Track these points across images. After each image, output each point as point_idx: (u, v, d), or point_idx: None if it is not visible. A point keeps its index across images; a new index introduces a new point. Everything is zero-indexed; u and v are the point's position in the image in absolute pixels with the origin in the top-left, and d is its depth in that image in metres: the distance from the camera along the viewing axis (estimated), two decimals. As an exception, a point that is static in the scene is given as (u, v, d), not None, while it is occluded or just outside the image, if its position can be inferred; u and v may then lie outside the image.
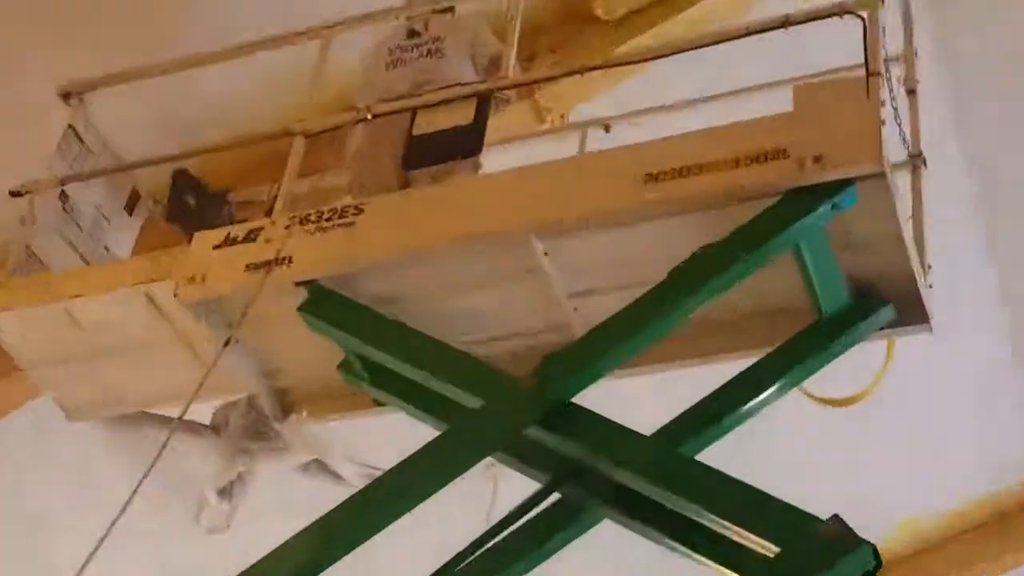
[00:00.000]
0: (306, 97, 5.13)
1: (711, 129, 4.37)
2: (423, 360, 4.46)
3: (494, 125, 5.41)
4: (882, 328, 4.47)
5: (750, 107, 5.22)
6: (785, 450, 7.68)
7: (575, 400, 4.21)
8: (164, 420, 5.50)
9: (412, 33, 5.57)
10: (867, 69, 4.22)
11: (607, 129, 5.91)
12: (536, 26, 6.84)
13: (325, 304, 4.61)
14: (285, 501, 5.64)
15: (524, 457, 4.42)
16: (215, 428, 5.59)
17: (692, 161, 4.25)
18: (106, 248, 5.59)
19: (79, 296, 5.05)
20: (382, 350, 4.56)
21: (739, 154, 4.21)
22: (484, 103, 4.91)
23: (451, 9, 5.62)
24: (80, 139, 5.49)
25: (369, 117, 4.95)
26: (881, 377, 4.69)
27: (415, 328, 4.55)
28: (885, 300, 4.43)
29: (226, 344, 4.57)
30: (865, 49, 4.27)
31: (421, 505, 4.15)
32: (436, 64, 5.42)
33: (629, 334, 4.23)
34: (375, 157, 5.27)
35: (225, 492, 5.65)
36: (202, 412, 5.57)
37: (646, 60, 4.85)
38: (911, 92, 4.83)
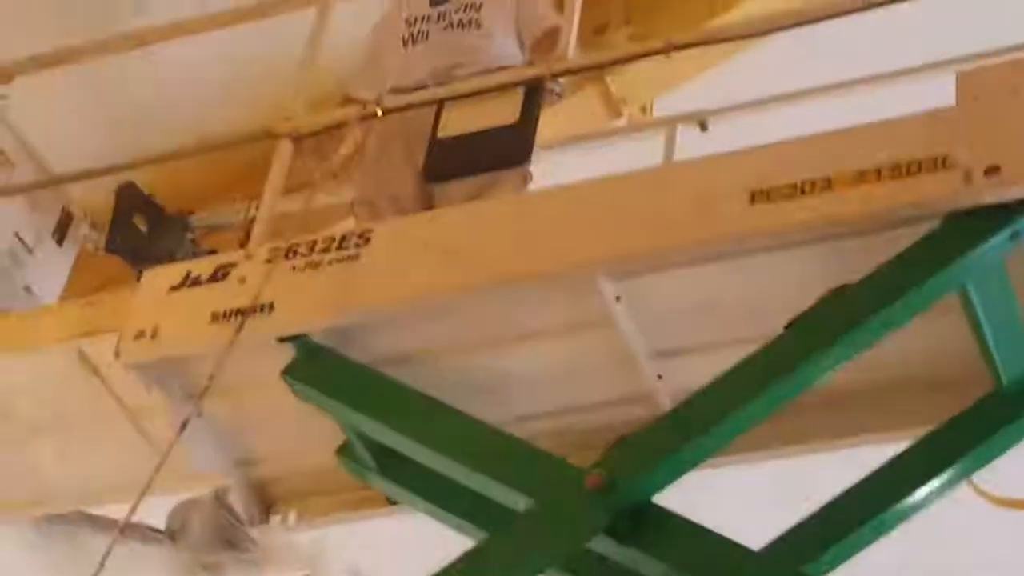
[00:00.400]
0: (294, 89, 5.14)
1: (842, 130, 4.32)
2: (450, 443, 4.42)
3: (549, 122, 5.44)
4: (1083, 403, 4.41)
5: (894, 101, 5.21)
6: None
7: (656, 500, 4.17)
8: (106, 523, 5.52)
9: None
10: (1058, 47, 4.20)
11: (703, 127, 5.94)
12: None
13: (318, 366, 4.61)
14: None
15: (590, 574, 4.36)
16: (172, 534, 5.61)
17: (817, 173, 4.20)
18: (27, 289, 5.64)
19: (-12, 356, 5.08)
20: (394, 429, 4.53)
21: (882, 164, 4.15)
22: (534, 95, 4.89)
23: None
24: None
25: (378, 113, 4.96)
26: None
27: (439, 399, 4.53)
28: (1087, 364, 4.37)
29: (184, 425, 4.58)
30: (1055, 17, 4.25)
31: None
32: (470, 40, 5.45)
33: (731, 410, 4.16)
34: (388, 167, 5.29)
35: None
36: (156, 511, 5.59)
37: (752, 36, 4.83)
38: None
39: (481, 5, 5.52)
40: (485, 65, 5.33)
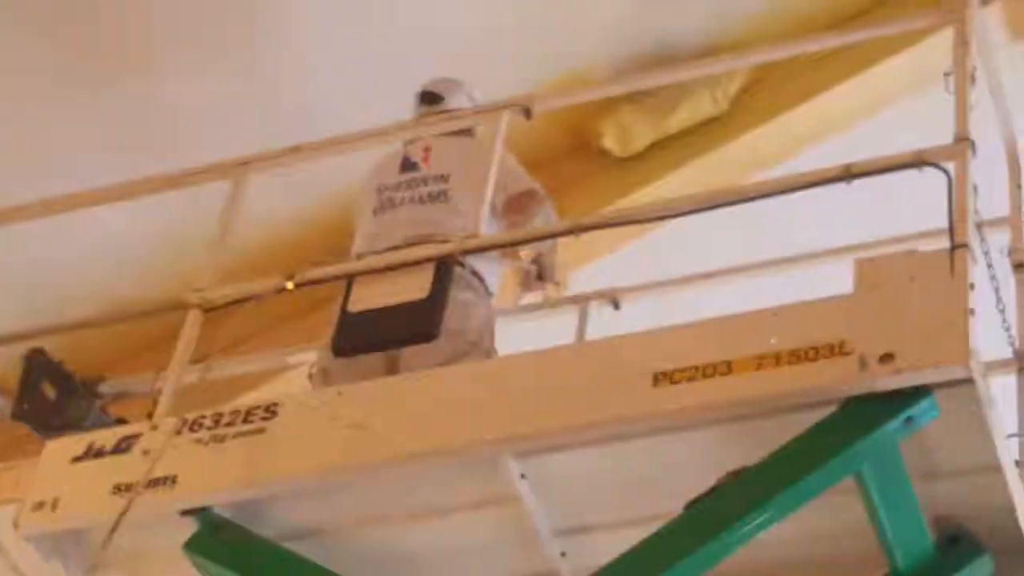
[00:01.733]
0: (205, 258, 5.22)
1: (742, 314, 4.44)
2: (351, 620, 4.46)
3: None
4: (979, 586, 4.49)
5: (796, 283, 5.35)
6: None
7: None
8: None
9: (407, 164, 5.69)
10: (952, 239, 4.31)
11: (615, 305, 6.02)
12: (527, 160, 7.03)
13: (220, 540, 4.62)
14: None
15: None
16: None
17: (717, 356, 4.30)
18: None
19: None
20: (297, 605, 4.56)
21: (780, 349, 4.26)
22: (445, 271, 4.98)
23: (468, 132, 5.70)
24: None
25: (290, 287, 5.03)
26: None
27: (343, 575, 4.54)
28: (980, 548, 4.45)
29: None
30: (950, 212, 4.37)
31: None
32: (437, 213, 5.50)
33: (631, 590, 4.24)
34: (310, 337, 5.29)
35: None
36: None
37: (659, 219, 4.96)
38: (1019, 267, 4.91)
39: (449, 176, 5.59)
40: (452, 238, 5.30)
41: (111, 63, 6.51)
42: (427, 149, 5.71)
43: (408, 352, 5.10)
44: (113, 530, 4.48)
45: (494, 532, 4.66)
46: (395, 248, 5.25)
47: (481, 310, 5.24)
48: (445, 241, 5.20)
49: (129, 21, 6.43)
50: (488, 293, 5.33)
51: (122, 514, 4.50)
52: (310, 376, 5.40)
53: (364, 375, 5.05)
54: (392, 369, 5.18)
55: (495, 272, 5.36)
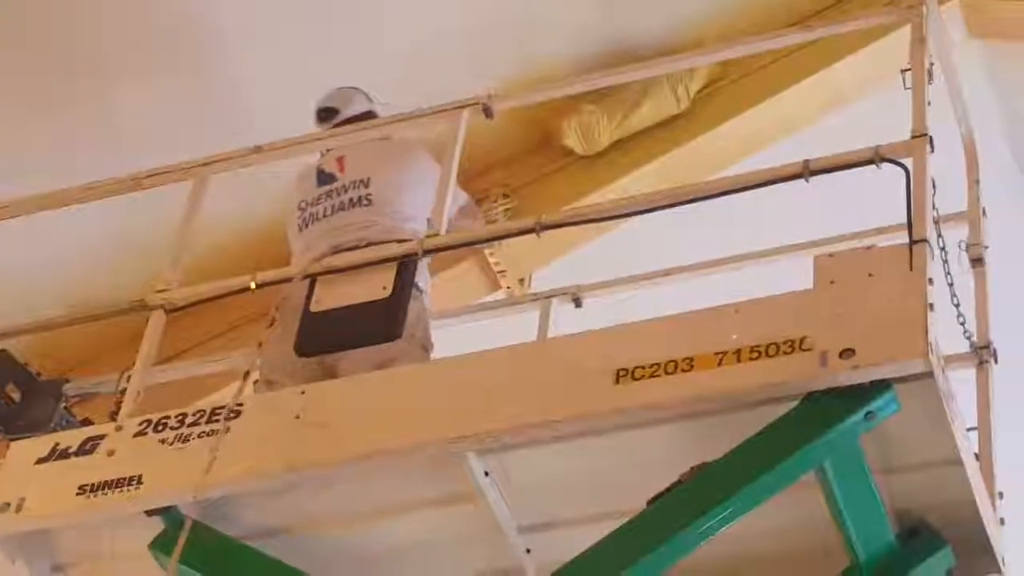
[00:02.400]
0: (169, 259, 5.22)
1: (703, 311, 4.46)
2: (316, 617, 4.47)
3: (430, 293, 5.54)
4: (939, 578, 4.53)
5: (756, 279, 5.39)
6: None
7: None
8: None
9: (323, 177, 5.72)
10: (910, 234, 4.34)
11: (577, 303, 6.04)
12: (489, 158, 7.05)
13: (187, 540, 4.59)
14: None
15: None
16: None
17: (679, 353, 4.32)
18: None
19: None
20: (262, 603, 4.57)
21: (742, 345, 4.29)
22: (407, 270, 4.99)
23: (386, 138, 5.76)
24: None
25: (252, 287, 5.03)
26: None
27: (309, 573, 4.55)
28: (941, 540, 4.49)
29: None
30: (909, 208, 4.40)
31: None
32: (362, 216, 5.54)
33: (596, 585, 4.26)
34: (282, 344, 5.32)
35: None
36: None
37: (619, 217, 4.98)
38: (976, 261, 4.96)
39: (369, 180, 5.62)
40: (377, 240, 5.39)
41: (63, 70, 6.51)
42: (340, 159, 5.75)
43: (343, 354, 5.13)
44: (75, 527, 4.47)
45: (459, 529, 4.67)
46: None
47: (414, 304, 5.23)
48: (378, 243, 5.25)
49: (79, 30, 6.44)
50: (419, 289, 5.34)
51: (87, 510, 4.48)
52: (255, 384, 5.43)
53: (306, 380, 5.05)
54: (330, 372, 5.21)
55: (424, 268, 5.38)
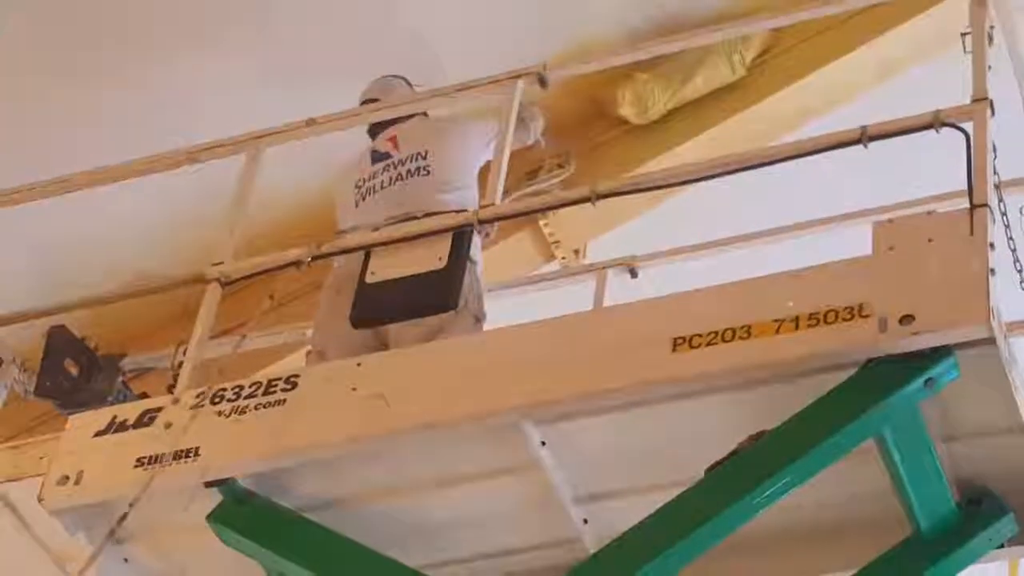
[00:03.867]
0: (225, 232, 5.22)
1: (761, 278, 4.42)
2: (375, 588, 4.46)
3: (485, 265, 5.52)
4: (1001, 545, 4.48)
5: (816, 248, 5.32)
6: None
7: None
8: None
9: (377, 156, 5.72)
10: (971, 199, 4.29)
11: (633, 273, 6.01)
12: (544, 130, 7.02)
13: (244, 512, 4.64)
14: None
15: None
16: None
17: (737, 321, 4.29)
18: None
19: (-89, 500, 5.12)
20: (318, 575, 4.55)
21: (800, 312, 4.25)
22: (462, 240, 4.98)
23: (423, 114, 5.77)
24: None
25: (308, 260, 5.02)
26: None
27: (365, 544, 4.56)
28: (1004, 508, 4.45)
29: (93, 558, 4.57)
30: (969, 173, 4.35)
31: None
32: (420, 187, 5.54)
33: (653, 554, 4.22)
34: (338, 316, 5.32)
35: None
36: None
37: (675, 185, 4.93)
38: (1039, 226, 4.92)
39: (427, 152, 5.63)
40: (436, 210, 5.40)
41: (113, 43, 6.51)
42: (392, 138, 5.77)
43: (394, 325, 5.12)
44: (137, 500, 4.48)
45: (516, 500, 4.66)
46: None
47: (467, 275, 5.18)
48: (435, 213, 5.24)
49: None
50: (472, 260, 5.31)
51: (147, 484, 4.50)
52: (305, 358, 5.43)
53: (356, 351, 5.06)
54: (382, 343, 5.21)
55: (476, 239, 5.36)
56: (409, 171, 5.60)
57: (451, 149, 5.68)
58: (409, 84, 6.05)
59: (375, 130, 5.84)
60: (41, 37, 6.41)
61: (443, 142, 5.69)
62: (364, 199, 5.63)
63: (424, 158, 5.62)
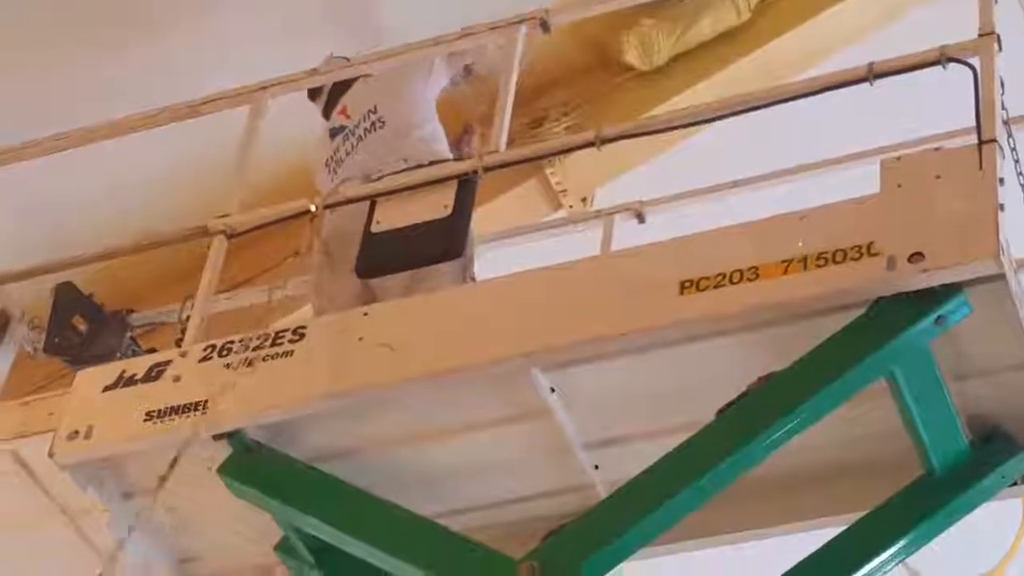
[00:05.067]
0: (231, 185, 5.17)
1: (768, 219, 4.37)
2: (384, 536, 4.43)
3: (490, 214, 5.49)
4: (1014, 483, 4.45)
5: (823, 188, 5.28)
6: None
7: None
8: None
9: (334, 131, 5.75)
10: (979, 135, 4.23)
11: (641, 218, 5.97)
12: (548, 77, 6.95)
13: (254, 463, 4.62)
14: None
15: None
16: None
17: (744, 263, 4.24)
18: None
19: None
20: (331, 524, 4.54)
21: (808, 252, 4.21)
22: (467, 188, 4.91)
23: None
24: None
25: (312, 209, 4.98)
26: (1017, 548, 4.68)
27: (375, 494, 4.54)
28: (1016, 445, 4.42)
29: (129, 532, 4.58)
30: (977, 108, 4.28)
31: None
32: (379, 140, 5.63)
33: (664, 498, 4.19)
34: (334, 266, 5.30)
35: None
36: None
37: (680, 127, 4.88)
38: (1048, 162, 4.85)
39: (376, 107, 5.71)
40: (405, 156, 5.47)
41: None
42: (343, 109, 5.83)
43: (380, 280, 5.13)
44: (164, 479, 4.49)
45: (526, 447, 4.63)
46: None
47: None
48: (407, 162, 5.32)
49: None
50: None
51: (173, 464, 4.50)
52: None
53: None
54: (374, 299, 5.21)
55: None
56: (366, 130, 5.68)
57: (396, 93, 5.74)
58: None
59: (327, 111, 5.89)
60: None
61: (387, 90, 5.74)
62: (336, 173, 5.69)
63: (375, 112, 5.69)
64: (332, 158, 5.75)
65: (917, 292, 4.11)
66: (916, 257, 4.10)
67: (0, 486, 5.07)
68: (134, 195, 6.64)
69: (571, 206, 6.83)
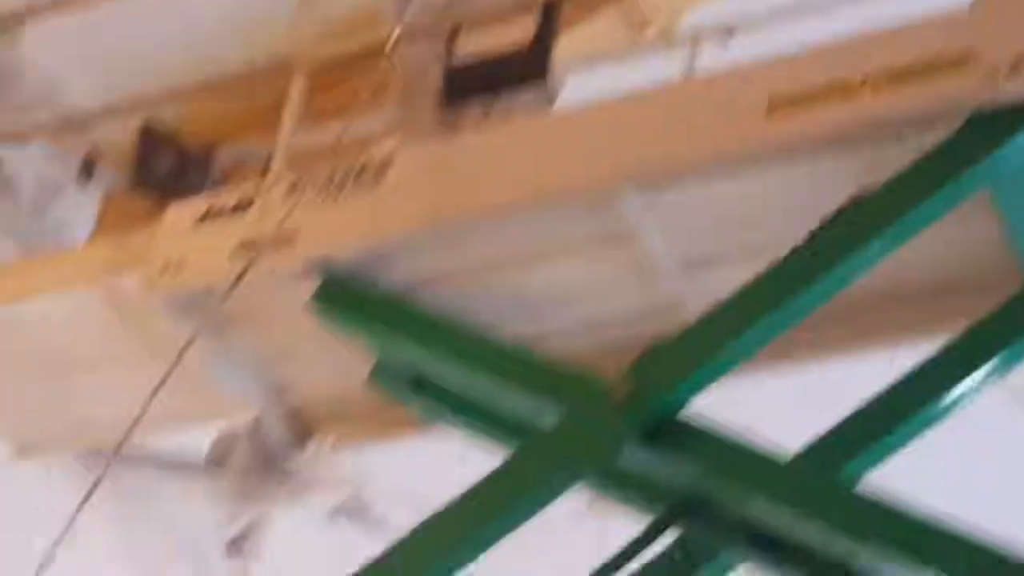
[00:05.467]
0: (309, 21, 5.16)
1: (860, 34, 4.26)
2: (477, 361, 4.46)
3: (573, 42, 5.40)
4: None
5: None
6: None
7: (685, 409, 4.18)
8: (147, 456, 5.58)
9: None
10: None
11: (726, 42, 5.86)
12: None
13: (344, 294, 4.63)
14: (311, 556, 5.70)
15: (623, 486, 4.45)
16: (213, 464, 5.64)
17: (835, 79, 4.15)
18: (55, 231, 5.65)
19: (18, 298, 5.11)
20: (422, 350, 4.58)
21: (902, 65, 4.11)
22: (550, 14, 4.88)
23: None
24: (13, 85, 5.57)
25: (393, 39, 4.90)
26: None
27: (465, 319, 4.56)
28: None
29: (189, 344, 4.59)
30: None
31: (504, 554, 4.20)
32: None
33: (758, 317, 4.17)
34: (414, 94, 5.27)
35: (233, 547, 5.70)
36: (197, 443, 5.63)
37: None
38: None
39: None
40: None
41: None
42: None
43: None
44: (231, 289, 4.48)
45: (614, 269, 4.60)
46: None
47: None
48: None
49: None
50: None
51: (240, 275, 4.49)
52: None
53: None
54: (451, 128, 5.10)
55: None
56: None
57: None
58: None
59: None
60: None
61: None
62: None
63: None
64: None
65: (1018, 104, 3.98)
66: (1018, 66, 3.96)
67: (95, 323, 5.09)
68: (214, 35, 6.58)
69: (657, 31, 6.71)
